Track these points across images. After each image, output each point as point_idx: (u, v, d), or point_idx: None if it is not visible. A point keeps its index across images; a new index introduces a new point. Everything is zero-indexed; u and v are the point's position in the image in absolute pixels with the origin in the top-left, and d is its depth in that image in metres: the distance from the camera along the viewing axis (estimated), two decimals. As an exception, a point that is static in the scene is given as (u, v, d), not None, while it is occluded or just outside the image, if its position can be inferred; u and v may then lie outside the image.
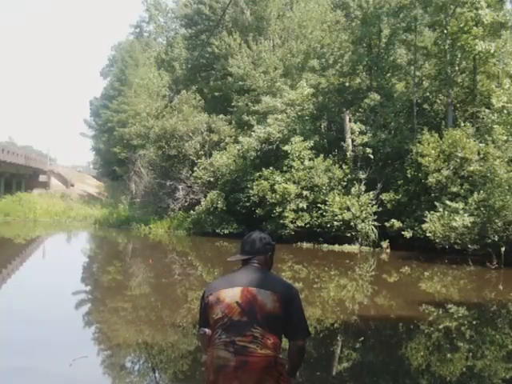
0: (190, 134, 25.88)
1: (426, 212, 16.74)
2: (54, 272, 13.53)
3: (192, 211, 24.01)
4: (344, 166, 19.79)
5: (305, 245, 19.17)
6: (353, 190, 19.32)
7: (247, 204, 20.95)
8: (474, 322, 9.33)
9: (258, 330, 2.60)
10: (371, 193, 19.14)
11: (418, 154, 17.95)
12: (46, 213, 32.72)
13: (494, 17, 18.30)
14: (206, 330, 2.76)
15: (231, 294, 2.68)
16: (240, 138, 23.51)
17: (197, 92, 28.97)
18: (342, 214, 18.41)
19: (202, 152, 25.77)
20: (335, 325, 8.59)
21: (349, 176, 19.67)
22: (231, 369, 2.54)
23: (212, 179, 23.85)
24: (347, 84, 23.41)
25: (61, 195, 42.39)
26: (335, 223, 18.46)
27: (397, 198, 18.60)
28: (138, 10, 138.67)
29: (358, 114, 20.61)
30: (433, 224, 16.07)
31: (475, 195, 15.99)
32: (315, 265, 15.75)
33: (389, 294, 11.47)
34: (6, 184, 40.30)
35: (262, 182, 20.24)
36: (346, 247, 18.75)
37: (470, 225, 15.45)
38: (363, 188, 19.33)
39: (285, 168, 20.07)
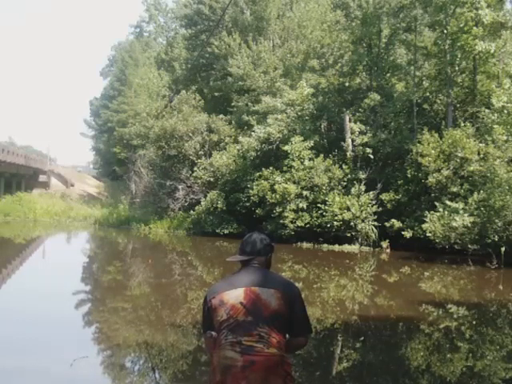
0: (190, 134, 25.88)
1: (426, 212, 16.73)
2: (54, 272, 13.52)
3: (192, 211, 24.00)
4: (344, 166, 19.79)
5: (305, 245, 19.17)
6: (353, 190, 19.31)
7: (247, 204, 20.95)
8: (474, 322, 9.33)
9: (264, 329, 2.61)
10: (371, 193, 19.14)
11: (418, 153, 17.95)
12: (46, 213, 32.70)
13: (494, 17, 18.30)
14: (213, 333, 2.77)
15: (235, 296, 2.68)
16: (240, 138, 23.51)
17: (197, 92, 28.95)
18: (341, 214, 18.40)
19: (202, 152, 25.77)
20: (335, 325, 8.59)
21: (349, 176, 19.66)
22: (239, 369, 2.54)
23: (212, 179, 23.85)
24: (347, 84, 23.40)
25: (61, 195, 42.38)
26: (335, 223, 18.46)
27: (397, 197, 18.59)
28: (138, 9, 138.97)
29: (358, 114, 20.60)
30: (433, 224, 16.06)
31: (475, 195, 15.98)
32: (315, 265, 15.75)
33: (389, 294, 11.47)
34: (6, 184, 40.27)
35: (262, 181, 20.24)
36: (346, 247, 18.75)
37: (469, 225, 15.45)
38: (363, 188, 19.32)
39: (285, 168, 20.06)
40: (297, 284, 2.86)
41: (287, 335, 2.75)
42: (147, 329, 7.84)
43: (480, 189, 16.17)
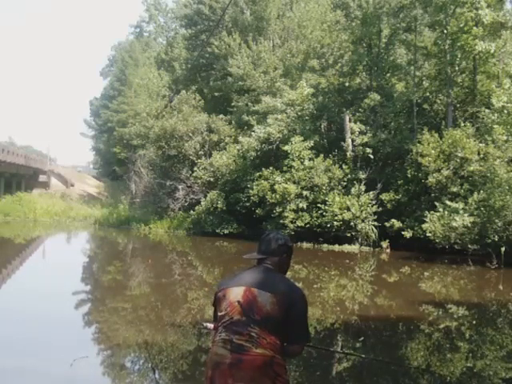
0: (190, 134, 25.88)
1: (426, 212, 16.73)
2: (54, 272, 13.52)
3: (192, 211, 24.00)
4: (344, 166, 19.79)
5: (305, 245, 19.16)
6: (353, 190, 19.31)
7: (247, 204, 20.95)
8: (474, 322, 9.33)
9: (255, 329, 2.61)
10: (371, 193, 19.13)
11: (418, 153, 17.95)
12: (46, 213, 32.68)
13: (494, 17, 18.30)
14: (208, 325, 2.82)
15: (235, 293, 2.72)
16: (240, 138, 23.52)
17: (197, 92, 28.97)
18: (341, 214, 18.40)
19: (202, 152, 25.78)
20: (335, 325, 8.59)
21: (349, 176, 19.66)
22: (226, 366, 2.57)
23: (212, 179, 23.86)
24: (347, 84, 23.41)
25: (61, 195, 42.38)
26: (335, 223, 18.46)
27: (397, 197, 18.59)
28: (138, 9, 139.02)
29: (358, 114, 20.60)
30: (433, 224, 16.06)
31: (475, 195, 15.98)
32: (315, 265, 15.75)
33: (389, 294, 11.47)
34: (6, 184, 40.26)
35: (262, 182, 20.24)
36: (346, 247, 18.75)
37: (469, 225, 15.45)
38: (363, 188, 19.32)
39: (285, 168, 20.06)
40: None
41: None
42: (147, 329, 7.84)
43: (480, 189, 16.17)
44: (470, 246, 15.71)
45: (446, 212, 16.07)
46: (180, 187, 25.44)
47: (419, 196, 18.30)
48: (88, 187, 52.71)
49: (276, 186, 19.59)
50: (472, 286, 13.08)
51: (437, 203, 16.75)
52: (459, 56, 19.24)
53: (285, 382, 2.66)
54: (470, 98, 20.49)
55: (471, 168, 17.07)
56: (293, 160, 19.91)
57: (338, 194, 19.15)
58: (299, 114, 21.91)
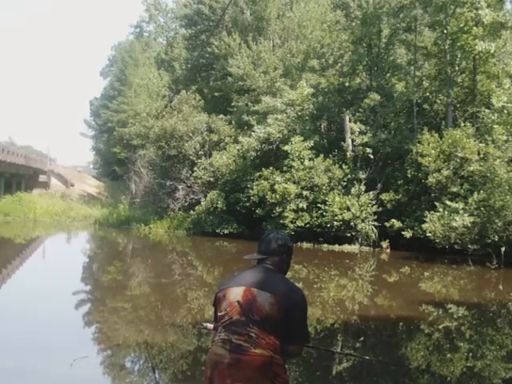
0: (190, 134, 25.88)
1: (426, 212, 16.72)
2: (54, 272, 13.52)
3: (192, 211, 24.00)
4: (344, 166, 19.78)
5: (305, 245, 19.16)
6: (353, 190, 19.31)
7: (247, 204, 20.94)
8: (474, 322, 9.33)
9: (254, 329, 2.61)
10: (371, 193, 19.13)
11: (418, 153, 17.95)
12: (46, 213, 32.69)
13: (494, 17, 18.30)
14: (208, 325, 2.83)
15: (235, 293, 2.71)
16: (240, 138, 23.51)
17: (197, 92, 28.96)
18: (341, 214, 18.39)
19: (202, 152, 25.78)
20: (335, 325, 8.59)
21: (349, 176, 19.66)
22: (225, 366, 2.57)
23: (212, 179, 23.85)
24: (347, 84, 23.40)
25: (61, 195, 42.39)
26: (335, 223, 18.45)
27: (397, 197, 18.59)
28: (138, 9, 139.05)
29: (358, 114, 20.60)
30: (433, 224, 16.05)
31: (475, 195, 15.98)
32: (315, 265, 15.75)
33: (389, 294, 11.47)
34: (6, 184, 40.25)
35: (262, 182, 20.23)
36: (346, 247, 18.74)
37: (469, 225, 15.44)
38: (363, 188, 19.32)
39: (285, 168, 20.06)
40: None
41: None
42: (147, 329, 7.84)
43: (480, 189, 16.17)
44: (470, 245, 15.70)
45: (446, 212, 16.07)
46: (180, 187, 25.44)
47: (419, 196, 18.30)
48: (88, 187, 52.70)
49: (276, 186, 19.59)
50: (472, 286, 13.08)
51: (437, 203, 16.75)
52: (459, 56, 19.24)
53: (284, 382, 2.65)
54: (470, 98, 20.49)
55: (471, 168, 17.07)
56: (293, 160, 19.91)
57: (338, 194, 19.15)
58: (299, 113, 21.90)
